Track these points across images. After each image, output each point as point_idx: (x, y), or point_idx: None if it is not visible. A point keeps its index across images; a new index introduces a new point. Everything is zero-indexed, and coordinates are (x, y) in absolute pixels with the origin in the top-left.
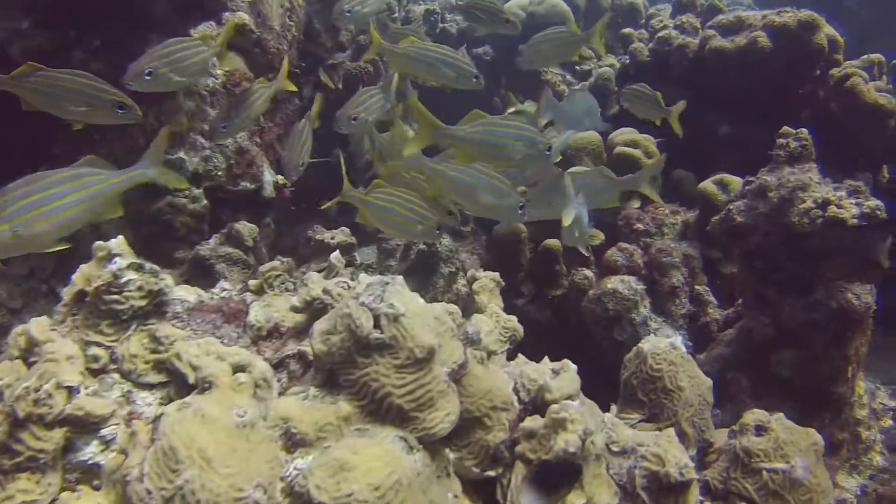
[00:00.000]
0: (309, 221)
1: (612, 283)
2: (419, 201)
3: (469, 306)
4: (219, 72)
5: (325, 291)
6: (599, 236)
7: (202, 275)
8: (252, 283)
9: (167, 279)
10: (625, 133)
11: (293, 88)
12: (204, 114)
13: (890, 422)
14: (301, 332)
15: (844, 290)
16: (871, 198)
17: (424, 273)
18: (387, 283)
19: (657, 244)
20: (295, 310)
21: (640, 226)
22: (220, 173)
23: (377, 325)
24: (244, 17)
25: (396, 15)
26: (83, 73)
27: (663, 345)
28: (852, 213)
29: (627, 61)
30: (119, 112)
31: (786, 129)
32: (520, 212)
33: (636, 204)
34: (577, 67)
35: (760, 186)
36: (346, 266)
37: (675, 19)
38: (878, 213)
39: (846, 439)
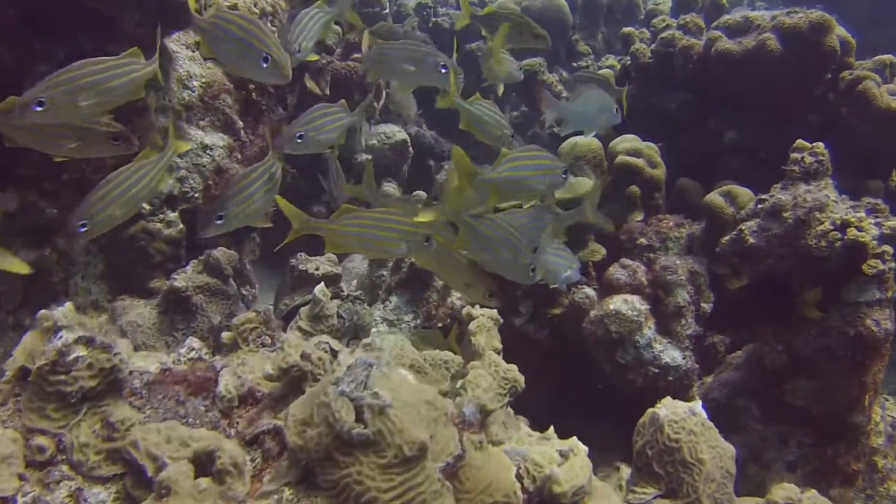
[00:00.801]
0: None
1: (615, 303)
2: (397, 217)
3: (464, 329)
4: (195, 84)
5: (304, 357)
6: (600, 252)
7: (178, 307)
8: (225, 335)
9: (121, 353)
10: (627, 141)
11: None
12: (181, 131)
13: None
14: (278, 399)
15: (863, 316)
16: (890, 217)
17: (417, 287)
18: (371, 366)
19: (661, 261)
20: (270, 378)
21: (643, 240)
22: (196, 195)
23: (360, 418)
24: None
25: (387, 11)
26: None
27: (682, 411)
28: (872, 235)
29: (629, 62)
30: (114, 143)
31: (800, 142)
32: (531, 273)
33: (639, 216)
34: (574, 64)
35: (774, 206)
36: (332, 298)
37: (678, 19)
38: None
39: (862, 469)
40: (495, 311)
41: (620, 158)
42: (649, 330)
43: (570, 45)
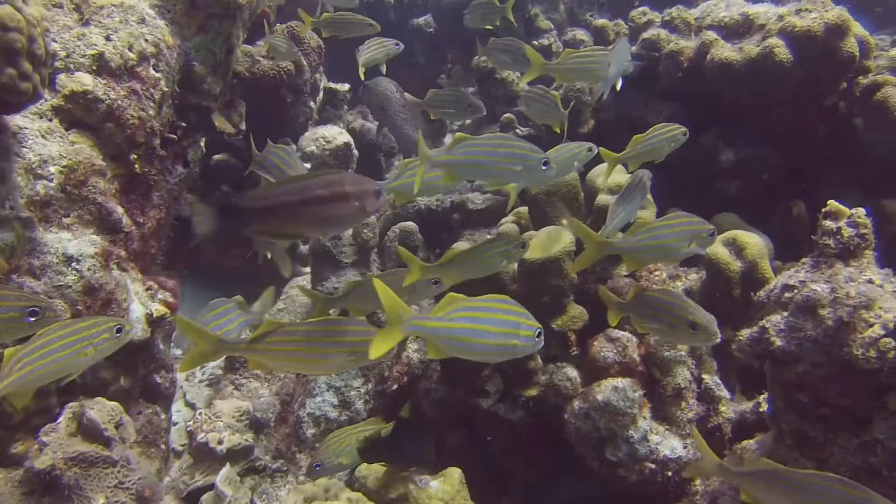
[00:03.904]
0: None
1: (603, 392)
2: (337, 327)
3: None
4: (52, 170)
5: None
6: (581, 317)
7: (44, 490)
8: None
9: None
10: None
11: None
12: (34, 244)
13: None
14: None
15: None
16: None
17: None
18: None
19: None
20: None
21: None
22: None
23: None
24: (85, 80)
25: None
26: None
27: None
28: None
29: None
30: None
31: (835, 205)
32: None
33: (625, 271)
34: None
35: (808, 300)
36: (245, 474)
37: (662, 13)
38: None
39: None
40: None
41: (602, 199)
42: (644, 420)
43: (528, 20)
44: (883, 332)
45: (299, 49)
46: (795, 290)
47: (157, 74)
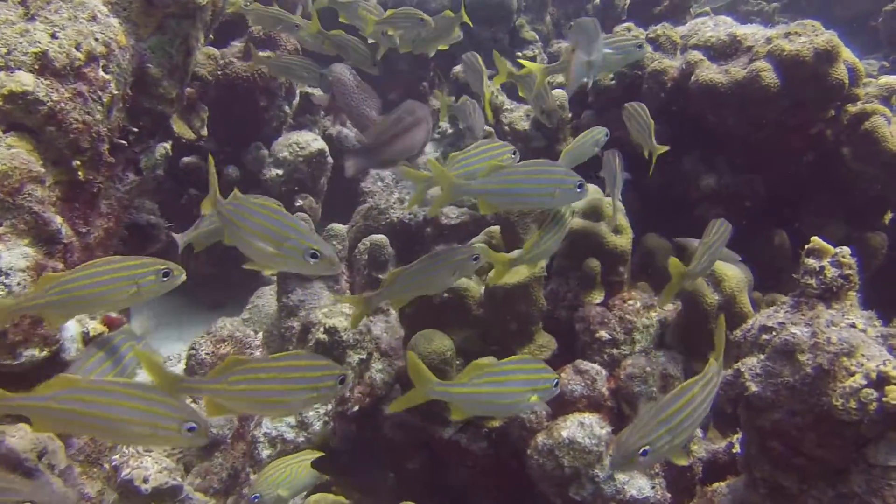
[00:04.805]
0: None
1: (568, 429)
2: (301, 361)
3: None
4: None
5: None
6: (549, 346)
7: None
8: None
9: None
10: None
11: None
12: None
13: None
14: None
15: (893, 484)
16: None
17: None
18: None
19: (628, 364)
20: None
21: (603, 333)
22: None
23: None
24: (26, 80)
25: None
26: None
27: None
28: None
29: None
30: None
31: (818, 243)
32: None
33: (598, 297)
34: (519, 54)
35: (786, 344)
36: None
37: (647, 30)
38: None
39: None
40: None
41: (575, 223)
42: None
43: (514, 30)
44: (865, 383)
45: (275, 51)
46: (774, 333)
47: (107, 76)
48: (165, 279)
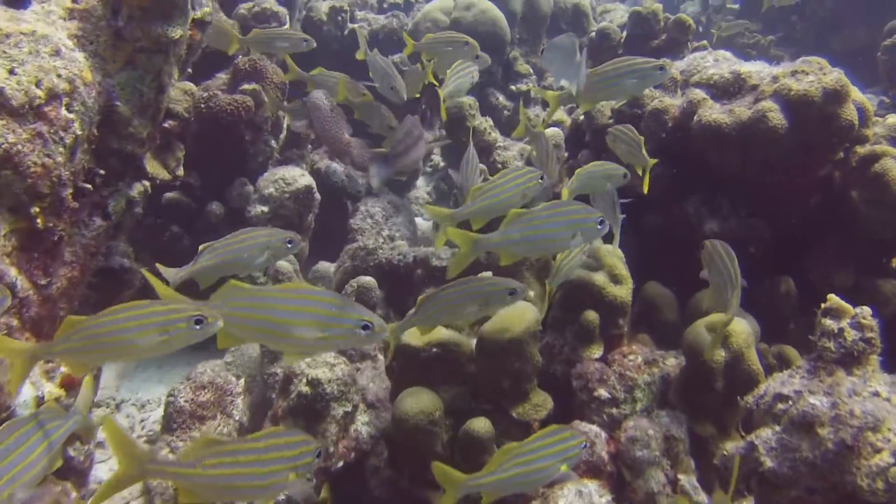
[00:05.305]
0: None
1: (566, 497)
2: (280, 439)
3: None
4: None
5: None
6: (545, 406)
7: None
8: None
9: None
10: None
11: None
12: None
13: None
14: None
15: None
16: None
17: (311, 417)
18: None
19: (629, 426)
20: None
21: (602, 391)
22: None
23: None
24: None
25: (286, 24)
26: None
27: None
28: None
29: (581, 118)
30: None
31: (836, 302)
32: None
33: (597, 352)
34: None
35: (804, 416)
36: None
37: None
38: None
39: None
40: None
41: (576, 274)
42: None
43: (507, 63)
44: (893, 461)
45: (261, 84)
46: (790, 402)
47: (70, 115)
48: (198, 327)
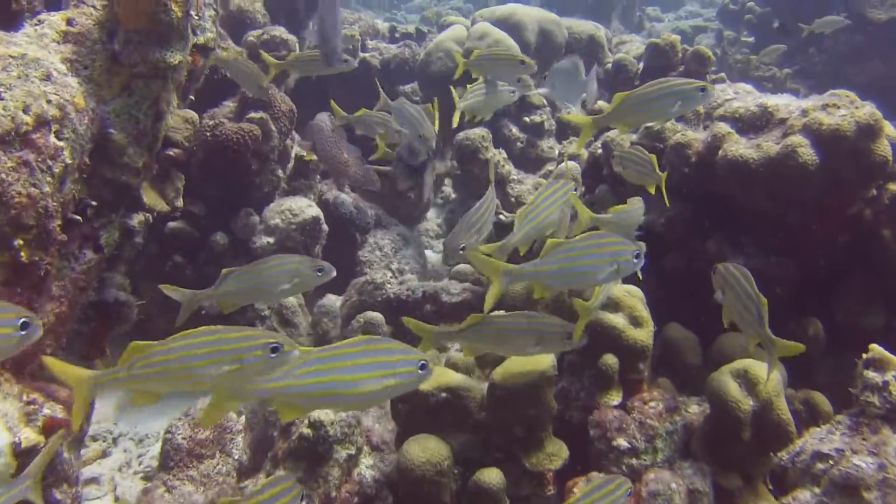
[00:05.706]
0: None
1: None
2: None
3: None
4: None
5: None
6: (560, 455)
7: None
8: None
9: None
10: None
11: None
12: None
13: None
14: None
15: None
16: None
17: (313, 460)
18: None
19: (650, 479)
20: None
21: (621, 441)
22: None
23: None
24: None
25: (294, 51)
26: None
27: None
28: None
29: (598, 151)
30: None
31: (879, 352)
32: None
33: (615, 398)
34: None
35: (848, 478)
36: None
37: None
38: None
39: None
40: None
41: (594, 317)
42: None
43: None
44: None
45: (269, 113)
46: (831, 462)
47: (60, 143)
48: (273, 356)
